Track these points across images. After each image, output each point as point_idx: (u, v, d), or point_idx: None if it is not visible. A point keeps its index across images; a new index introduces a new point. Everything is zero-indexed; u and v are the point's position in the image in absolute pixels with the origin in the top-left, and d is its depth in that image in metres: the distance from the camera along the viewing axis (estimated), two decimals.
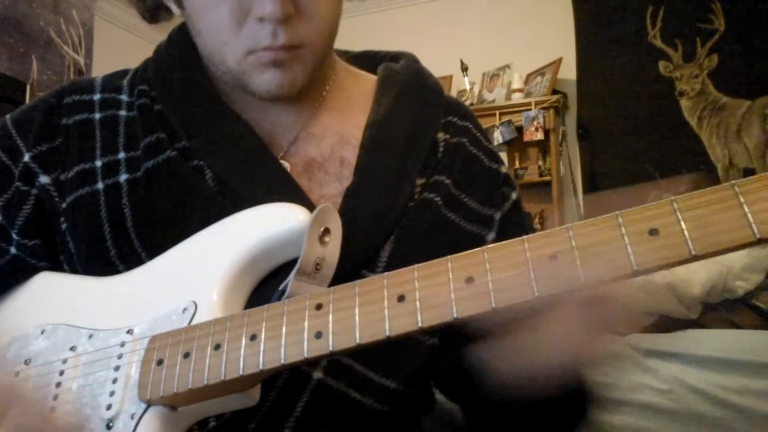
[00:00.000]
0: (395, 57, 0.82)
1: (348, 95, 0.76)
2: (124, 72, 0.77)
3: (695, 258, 0.40)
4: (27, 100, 3.25)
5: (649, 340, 1.93)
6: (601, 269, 0.42)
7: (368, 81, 0.79)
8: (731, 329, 2.06)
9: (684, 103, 3.64)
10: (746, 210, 0.38)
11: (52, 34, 3.58)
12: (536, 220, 3.82)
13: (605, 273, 0.41)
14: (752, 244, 0.38)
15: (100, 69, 3.82)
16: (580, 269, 0.42)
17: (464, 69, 3.99)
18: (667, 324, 2.09)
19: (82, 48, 3.76)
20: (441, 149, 0.75)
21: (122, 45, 4.13)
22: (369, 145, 0.70)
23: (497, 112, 3.90)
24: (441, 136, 0.76)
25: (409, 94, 0.76)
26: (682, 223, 0.40)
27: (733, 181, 0.40)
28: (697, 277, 2.10)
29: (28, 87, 3.31)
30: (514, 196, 0.78)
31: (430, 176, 0.72)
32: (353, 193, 0.67)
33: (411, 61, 0.81)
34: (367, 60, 0.83)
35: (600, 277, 0.42)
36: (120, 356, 0.57)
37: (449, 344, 0.70)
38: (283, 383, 0.61)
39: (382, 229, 0.67)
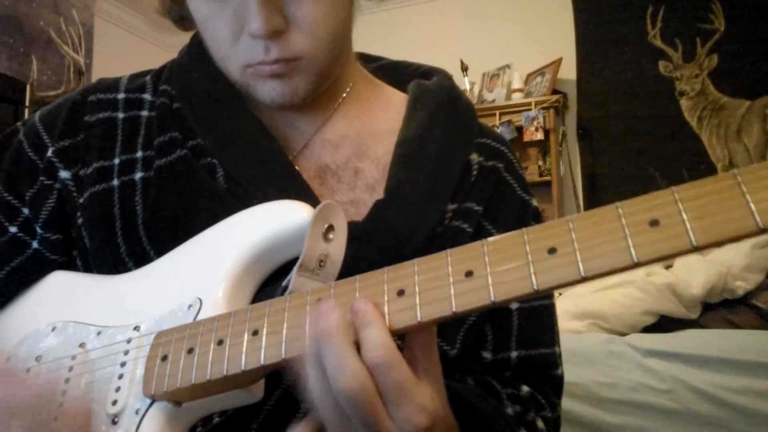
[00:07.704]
0: (427, 73, 0.81)
1: (367, 105, 0.75)
2: (149, 71, 0.77)
3: (696, 249, 0.39)
4: (27, 100, 3.24)
5: (649, 340, 1.92)
6: (601, 261, 0.41)
7: (392, 95, 0.78)
8: (731, 329, 2.05)
9: (684, 103, 3.64)
10: (748, 199, 0.37)
11: (52, 34, 3.58)
12: None
13: (605, 265, 0.41)
14: (754, 234, 0.37)
15: (100, 69, 3.82)
16: (579, 262, 0.41)
17: (464, 69, 4.00)
18: (667, 324, 2.09)
19: (82, 48, 3.76)
20: (474, 172, 0.73)
21: (122, 45, 4.13)
22: (400, 163, 0.69)
23: (497, 112, 3.90)
24: (475, 158, 0.74)
25: (442, 113, 0.74)
26: (683, 213, 0.39)
27: (735, 170, 0.39)
28: (697, 277, 2.10)
29: (28, 87, 3.31)
30: None
31: (462, 202, 0.71)
32: (381, 207, 0.66)
33: (444, 78, 0.79)
34: (396, 72, 0.82)
35: (600, 269, 0.41)
36: (126, 352, 0.57)
37: (468, 355, 0.70)
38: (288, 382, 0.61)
39: (403, 252, 0.63)
